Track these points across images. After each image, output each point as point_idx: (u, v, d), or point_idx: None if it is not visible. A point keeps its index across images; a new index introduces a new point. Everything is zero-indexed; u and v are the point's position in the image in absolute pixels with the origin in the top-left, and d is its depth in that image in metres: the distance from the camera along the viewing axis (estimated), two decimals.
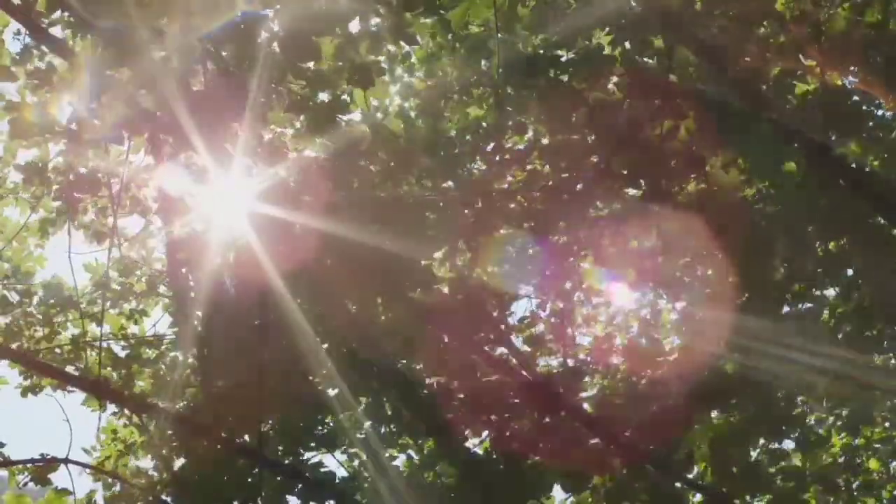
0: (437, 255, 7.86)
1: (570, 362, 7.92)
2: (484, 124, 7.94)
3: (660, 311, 8.46)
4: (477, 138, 7.94)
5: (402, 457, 7.82)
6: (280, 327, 6.89)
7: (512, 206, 7.73)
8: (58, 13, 6.98)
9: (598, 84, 7.44)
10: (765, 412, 7.66)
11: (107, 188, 8.20)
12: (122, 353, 9.01)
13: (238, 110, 6.43)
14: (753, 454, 8.06)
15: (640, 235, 7.64)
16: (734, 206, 7.39)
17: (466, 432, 7.46)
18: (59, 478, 8.02)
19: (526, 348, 8.07)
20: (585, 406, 7.76)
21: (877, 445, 9.50)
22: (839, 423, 9.35)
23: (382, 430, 7.63)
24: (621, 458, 7.27)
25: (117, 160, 7.86)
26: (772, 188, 7.58)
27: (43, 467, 7.64)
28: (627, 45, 7.35)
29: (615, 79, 7.53)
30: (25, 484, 7.79)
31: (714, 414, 7.87)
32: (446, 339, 7.51)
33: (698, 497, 8.10)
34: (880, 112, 8.00)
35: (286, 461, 7.18)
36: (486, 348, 7.69)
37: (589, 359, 8.19)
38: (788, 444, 8.36)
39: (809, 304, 8.14)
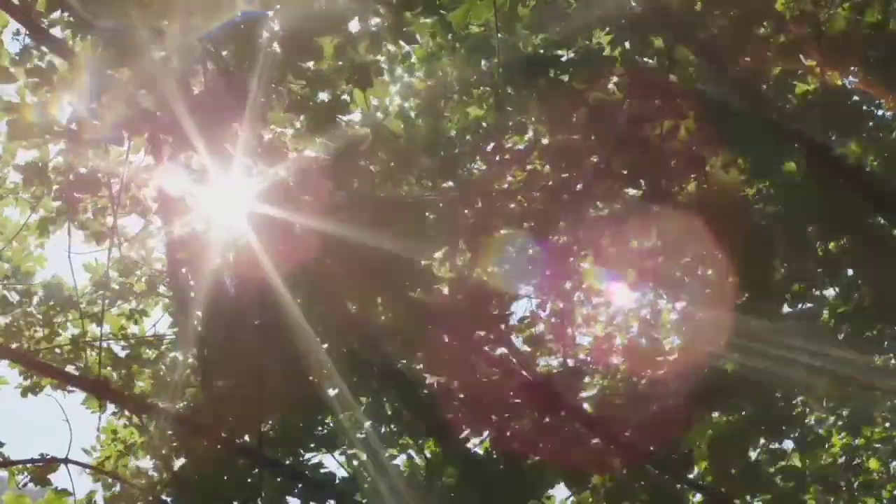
0: (437, 255, 7.86)
1: (570, 362, 7.92)
2: (484, 124, 7.94)
3: (660, 311, 8.46)
4: (477, 138, 7.94)
5: (403, 457, 7.82)
6: (280, 327, 6.88)
7: (512, 206, 7.73)
8: (57, 13, 6.99)
9: (598, 84, 7.44)
10: (764, 412, 7.67)
11: (107, 188, 8.20)
12: (122, 354, 9.01)
13: (238, 110, 6.43)
14: (753, 454, 8.06)
15: (640, 235, 7.63)
16: (734, 206, 7.38)
17: (466, 432, 7.45)
18: (59, 478, 8.02)
19: (526, 348, 8.07)
20: (585, 406, 7.75)
21: (877, 445, 9.50)
22: (839, 423, 9.35)
23: (382, 429, 7.62)
24: (621, 458, 7.27)
25: (117, 160, 7.86)
26: (772, 188, 7.58)
27: (43, 467, 7.63)
28: (627, 45, 7.35)
29: (615, 79, 7.53)
30: (25, 484, 7.79)
31: (714, 414, 7.87)
32: (446, 339, 7.50)
33: (698, 497, 8.09)
34: (880, 112, 8.00)
35: (286, 461, 7.18)
36: (486, 348, 7.68)
37: (589, 359, 8.19)
38: (788, 445, 8.37)
39: (809, 304, 8.14)
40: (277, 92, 6.76)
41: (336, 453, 7.47)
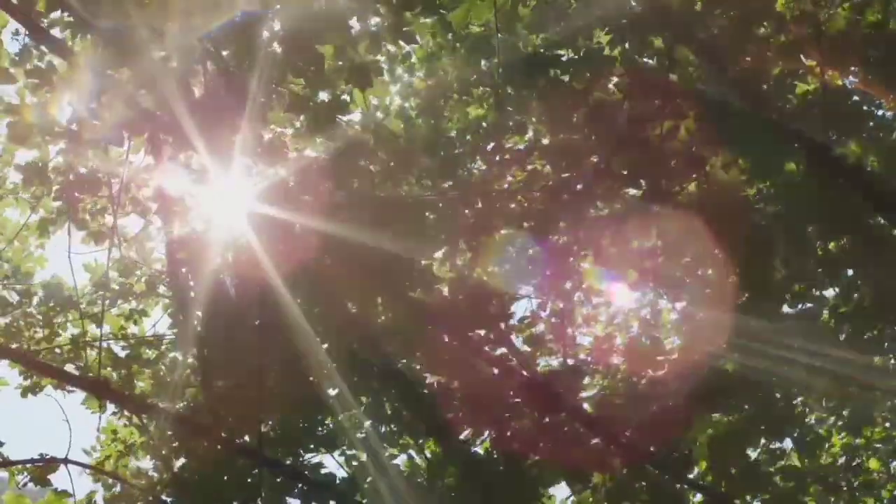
0: (437, 255, 7.86)
1: (570, 362, 7.91)
2: (484, 124, 7.94)
3: (660, 311, 8.46)
4: (477, 138, 7.94)
5: (403, 456, 7.82)
6: (280, 327, 6.88)
7: (512, 206, 7.74)
8: (57, 13, 6.99)
9: (598, 84, 7.44)
10: (764, 412, 7.66)
11: (107, 188, 8.20)
12: (122, 354, 9.01)
13: (238, 110, 6.43)
14: (753, 454, 8.06)
15: (641, 235, 7.63)
16: (734, 206, 7.38)
17: (466, 432, 7.45)
18: (59, 478, 8.01)
19: (526, 348, 8.07)
20: (585, 406, 7.75)
21: (877, 445, 9.50)
22: (839, 423, 9.35)
23: (382, 429, 7.62)
24: (621, 458, 7.27)
25: (117, 160, 7.86)
26: (772, 188, 7.58)
27: (43, 468, 7.62)
28: (627, 45, 7.35)
29: (615, 79, 7.53)
30: (25, 484, 7.78)
31: (714, 414, 7.87)
32: (446, 339, 7.51)
33: (699, 497, 8.09)
34: (880, 112, 8.01)
35: (286, 462, 7.17)
36: (486, 348, 7.68)
37: (589, 359, 8.18)
38: (789, 445, 8.37)
39: (809, 304, 8.14)
40: (277, 92, 6.76)
41: (336, 454, 7.47)
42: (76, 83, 6.91)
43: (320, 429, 7.29)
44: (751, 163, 7.31)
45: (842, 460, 9.24)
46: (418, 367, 7.68)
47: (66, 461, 7.47)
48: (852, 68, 7.62)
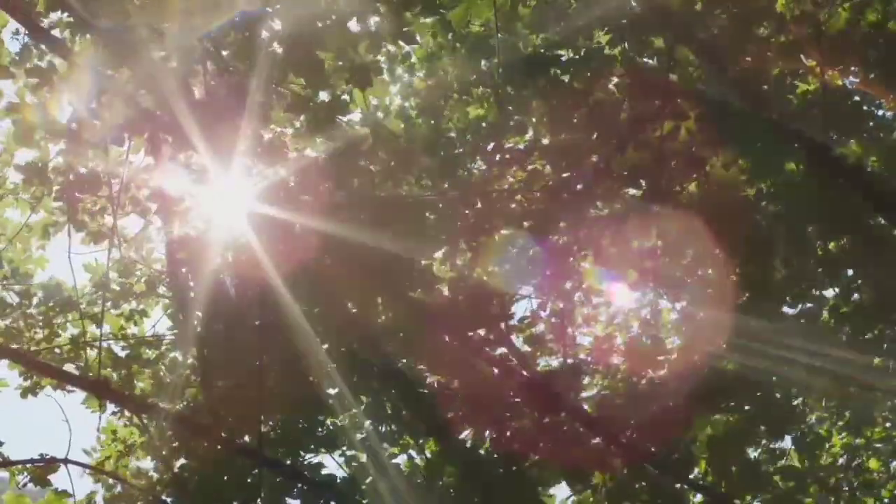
0: (437, 255, 7.86)
1: (571, 362, 7.91)
2: (484, 124, 7.94)
3: (660, 311, 8.45)
4: (477, 138, 7.93)
5: (403, 456, 7.82)
6: (280, 327, 6.89)
7: (512, 206, 7.74)
8: (57, 14, 6.99)
9: (599, 84, 7.44)
10: (764, 412, 7.66)
11: (107, 188, 8.19)
12: (122, 354, 9.00)
13: (238, 110, 6.43)
14: (753, 454, 8.05)
15: (641, 235, 7.63)
16: (734, 207, 7.38)
17: (466, 432, 7.45)
18: (59, 478, 8.01)
19: (526, 348, 8.07)
20: (585, 406, 7.75)
21: (877, 445, 9.50)
22: (840, 423, 9.35)
23: (383, 429, 7.62)
24: (621, 458, 7.27)
25: (117, 160, 7.86)
26: (772, 188, 7.58)
27: (43, 468, 7.62)
28: (627, 45, 7.35)
29: (615, 79, 7.53)
30: (25, 484, 7.78)
31: (714, 414, 7.86)
32: (446, 339, 7.51)
33: (699, 497, 8.09)
34: (880, 112, 8.00)
35: (286, 462, 7.17)
36: (487, 348, 7.68)
37: (589, 359, 8.18)
38: (789, 445, 8.36)
39: (809, 304, 8.13)
40: (277, 92, 6.76)
41: (336, 454, 7.47)
42: (76, 83, 6.91)
43: (320, 429, 7.29)
44: (751, 163, 7.31)
45: (842, 460, 9.24)
46: (418, 367, 7.68)
47: (66, 461, 7.48)
48: (852, 68, 7.62)
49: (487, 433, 7.40)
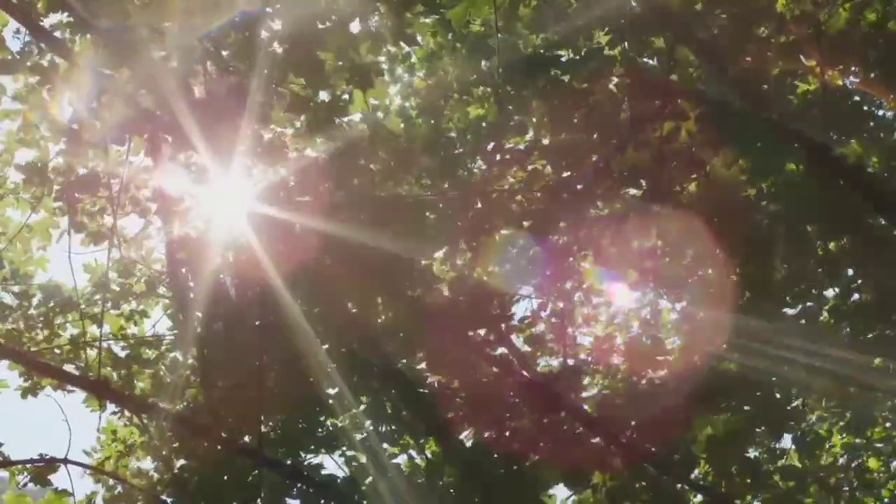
0: (438, 255, 7.86)
1: (571, 362, 7.91)
2: (484, 124, 7.94)
3: (660, 311, 8.45)
4: (477, 138, 7.93)
5: (404, 456, 7.81)
6: (280, 327, 6.89)
7: (512, 206, 7.74)
8: (57, 16, 7.00)
9: (599, 84, 7.44)
10: (764, 412, 7.66)
11: (106, 189, 8.19)
12: (122, 354, 9.00)
13: (238, 110, 6.43)
14: (753, 454, 8.05)
15: (641, 235, 7.63)
16: (734, 207, 7.38)
17: (466, 432, 7.45)
18: (59, 479, 8.00)
19: (526, 348, 8.07)
20: (585, 406, 7.75)
21: (878, 445, 9.50)
22: (840, 423, 9.34)
23: (383, 429, 7.62)
24: (622, 458, 7.26)
25: (117, 160, 7.86)
26: (772, 188, 7.58)
27: (43, 468, 7.62)
28: (627, 45, 7.35)
29: (615, 79, 7.53)
30: (25, 484, 7.78)
31: (714, 414, 7.86)
32: (446, 339, 7.50)
33: (699, 497, 8.08)
34: (880, 112, 8.00)
35: (286, 462, 7.17)
36: (487, 348, 7.68)
37: (589, 359, 8.18)
38: (789, 445, 8.37)
39: (810, 304, 8.13)
40: (277, 92, 6.76)
41: (336, 454, 7.47)
42: (76, 83, 6.92)
43: (320, 429, 7.29)
44: (751, 163, 7.30)
45: (842, 460, 9.24)
46: (418, 367, 7.68)
47: (66, 461, 7.48)
48: (852, 68, 7.62)
49: (487, 433, 7.40)
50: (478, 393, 7.38)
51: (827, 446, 9.10)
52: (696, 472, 7.60)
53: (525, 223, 7.64)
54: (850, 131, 7.55)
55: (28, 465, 7.62)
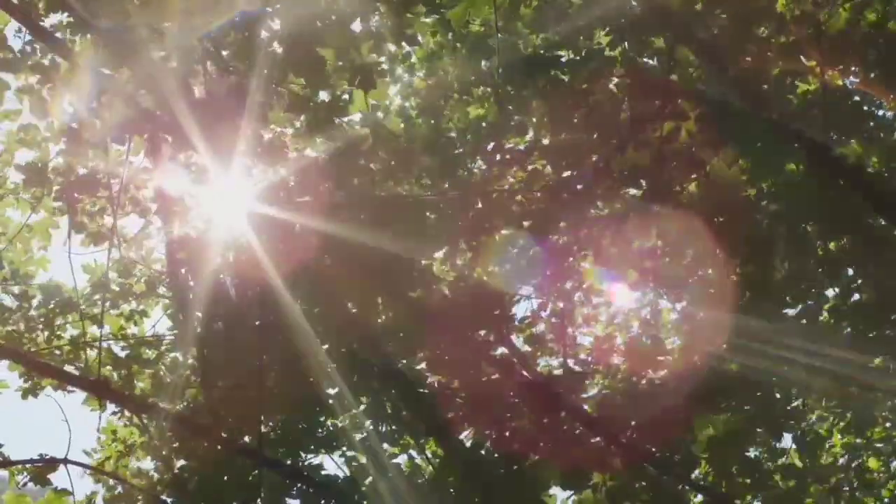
0: (438, 255, 7.86)
1: (571, 362, 7.91)
2: (484, 124, 7.94)
3: (660, 311, 8.45)
4: (477, 138, 7.93)
5: (404, 456, 7.81)
6: (280, 327, 6.89)
7: (512, 206, 7.74)
8: (58, 16, 7.00)
9: (599, 84, 7.44)
10: (764, 412, 7.66)
11: (106, 189, 8.19)
12: (122, 354, 9.00)
13: (238, 110, 6.43)
14: (754, 454, 8.05)
15: (641, 235, 7.63)
16: (735, 207, 7.38)
17: (467, 432, 7.45)
18: (59, 479, 8.00)
19: (526, 348, 8.07)
20: (585, 406, 7.75)
21: (878, 445, 9.49)
22: (841, 423, 9.34)
23: (383, 429, 7.62)
24: (622, 458, 7.26)
25: (117, 160, 7.86)
26: (772, 188, 7.58)
27: (42, 467, 7.62)
28: (627, 45, 7.35)
29: (615, 79, 7.53)
30: (25, 484, 7.79)
31: (715, 414, 7.86)
32: (446, 339, 7.50)
33: (699, 497, 8.08)
34: (880, 112, 8.00)
35: (286, 462, 7.17)
36: (487, 348, 7.68)
37: (589, 359, 8.18)
38: (789, 444, 8.36)
39: (810, 303, 8.13)
40: (277, 92, 6.76)
41: (336, 454, 7.47)
42: (76, 83, 6.92)
43: (320, 429, 7.29)
44: (751, 163, 7.30)
45: (842, 460, 9.24)
46: (418, 366, 7.68)
47: (65, 461, 7.48)
48: (852, 68, 7.62)
49: (488, 433, 7.40)
50: (478, 393, 7.38)
51: (827, 446, 9.09)
52: (697, 472, 7.60)
53: (525, 223, 7.64)
54: (850, 131, 7.55)
55: (28, 465, 7.62)
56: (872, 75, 7.49)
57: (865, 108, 7.82)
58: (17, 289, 9.17)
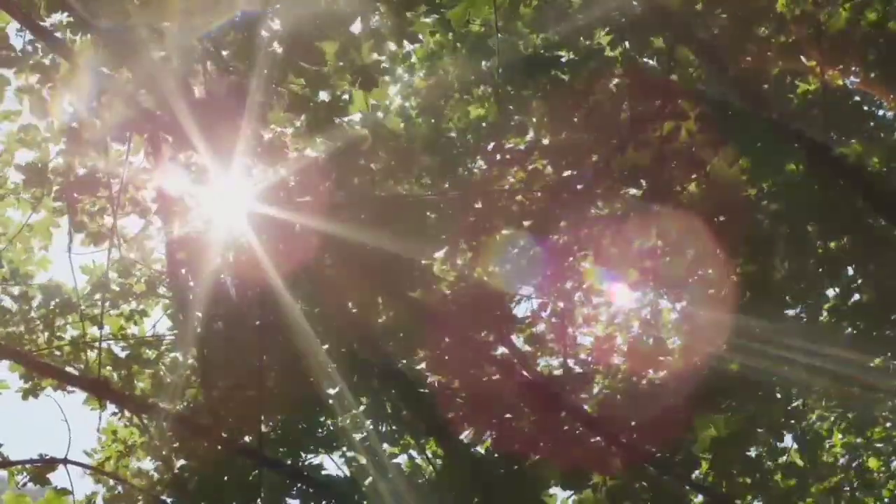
0: (438, 255, 7.86)
1: (571, 362, 7.91)
2: (484, 124, 7.94)
3: (660, 311, 8.45)
4: (477, 138, 7.94)
5: (404, 456, 7.81)
6: (280, 327, 6.89)
7: (512, 206, 7.74)
8: (58, 16, 7.00)
9: (599, 84, 7.44)
10: (765, 412, 7.66)
11: (106, 189, 8.19)
12: (122, 354, 9.00)
13: (238, 110, 6.43)
14: (754, 454, 8.05)
15: (641, 235, 7.63)
16: (735, 206, 7.39)
17: (467, 432, 7.44)
18: (59, 479, 8.00)
19: (526, 348, 8.07)
20: (585, 406, 7.74)
21: (878, 445, 9.50)
22: (841, 423, 9.35)
23: (383, 429, 7.61)
24: (622, 459, 7.26)
25: (117, 160, 7.86)
26: (772, 188, 7.58)
27: (42, 468, 7.62)
28: (627, 45, 7.35)
29: (615, 79, 7.53)
30: (25, 484, 7.78)
31: (715, 414, 7.86)
32: (446, 339, 7.50)
33: (700, 498, 8.07)
34: (880, 112, 8.01)
35: (286, 462, 7.17)
36: (487, 348, 7.68)
37: (590, 359, 8.18)
38: (789, 444, 8.36)
39: (810, 302, 8.13)
40: (277, 92, 6.76)
41: (336, 454, 7.47)
42: (76, 83, 6.92)
43: (320, 429, 7.28)
44: (751, 163, 7.30)
45: (842, 460, 9.24)
46: (418, 367, 7.68)
47: (65, 461, 7.47)
48: (852, 68, 7.62)
49: (488, 433, 7.40)
50: (478, 393, 7.38)
51: (827, 446, 9.10)
52: (697, 472, 7.60)
53: (525, 223, 7.64)
54: (850, 131, 7.56)
55: (28, 465, 7.62)
56: (873, 75, 7.50)
57: (866, 107, 7.83)
58: (18, 289, 9.18)
